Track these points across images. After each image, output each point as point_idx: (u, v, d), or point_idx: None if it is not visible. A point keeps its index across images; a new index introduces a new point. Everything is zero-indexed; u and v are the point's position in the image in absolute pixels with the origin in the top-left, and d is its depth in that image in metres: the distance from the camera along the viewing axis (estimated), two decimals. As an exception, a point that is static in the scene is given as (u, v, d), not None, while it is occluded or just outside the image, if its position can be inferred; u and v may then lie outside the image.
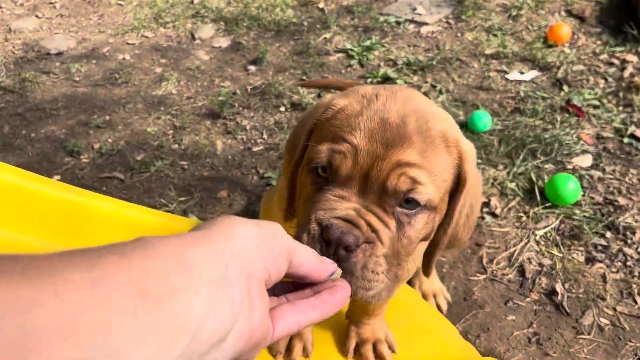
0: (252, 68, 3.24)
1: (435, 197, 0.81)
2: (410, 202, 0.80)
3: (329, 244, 0.76)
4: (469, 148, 0.87)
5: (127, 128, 2.75)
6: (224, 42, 3.55)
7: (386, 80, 3.02)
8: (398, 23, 3.58)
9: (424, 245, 0.99)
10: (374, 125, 0.80)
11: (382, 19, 3.63)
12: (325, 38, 3.50)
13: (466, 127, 2.57)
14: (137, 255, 0.43)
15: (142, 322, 0.40)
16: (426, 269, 0.94)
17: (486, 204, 2.16)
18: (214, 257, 0.49)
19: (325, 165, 0.81)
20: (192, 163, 2.50)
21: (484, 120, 2.53)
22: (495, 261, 1.95)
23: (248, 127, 2.74)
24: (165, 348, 0.41)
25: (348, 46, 3.33)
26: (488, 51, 3.22)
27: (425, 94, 2.90)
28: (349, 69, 3.19)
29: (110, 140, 2.66)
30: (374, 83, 3.01)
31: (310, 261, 0.62)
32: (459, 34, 3.44)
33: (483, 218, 2.10)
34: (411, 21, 3.60)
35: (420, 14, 3.64)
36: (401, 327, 1.34)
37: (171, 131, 2.73)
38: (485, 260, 1.96)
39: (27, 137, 2.69)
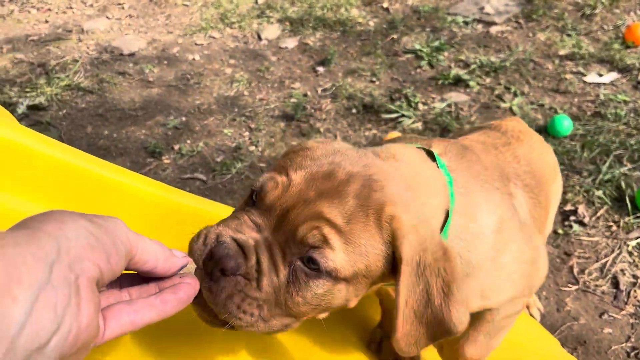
0: (320, 69, 3.26)
1: (344, 268, 0.74)
2: (313, 262, 0.74)
3: (212, 258, 0.73)
4: (410, 229, 0.77)
5: (204, 129, 2.81)
6: (290, 42, 3.58)
7: (458, 82, 2.99)
8: (466, 23, 3.54)
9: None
10: (320, 172, 0.77)
11: (449, 18, 3.59)
12: (392, 38, 3.49)
13: (546, 131, 2.53)
14: None
15: None
16: (400, 350, 0.82)
17: (573, 212, 2.13)
18: (36, 258, 0.46)
19: (258, 190, 0.79)
20: (270, 165, 2.54)
21: (565, 124, 2.48)
22: (586, 272, 1.92)
23: (322, 130, 2.76)
24: None
25: (417, 47, 3.31)
26: (562, 52, 3.15)
27: (499, 96, 2.86)
28: (418, 70, 3.17)
29: (189, 141, 2.72)
30: (446, 85, 2.99)
31: (157, 257, 0.60)
32: (531, 34, 3.37)
33: (571, 227, 2.07)
34: (479, 21, 3.55)
35: (488, 14, 3.59)
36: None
37: (247, 133, 2.77)
38: (576, 270, 1.93)
39: (110, 138, 2.78)
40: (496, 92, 2.89)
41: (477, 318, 1.10)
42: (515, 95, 2.85)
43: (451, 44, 3.34)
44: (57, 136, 2.75)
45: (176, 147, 2.67)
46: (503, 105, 2.78)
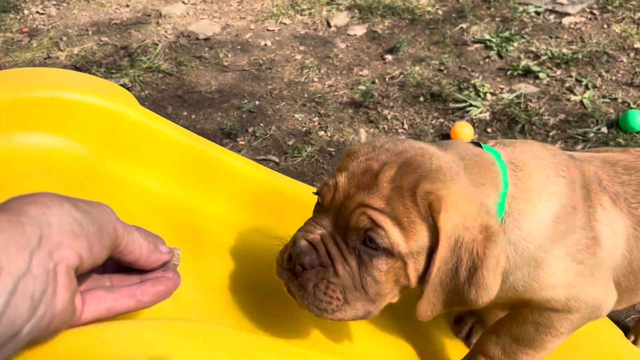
0: (388, 57, 3.32)
1: (398, 243, 0.84)
2: (373, 243, 0.85)
3: (291, 259, 0.88)
4: (449, 204, 0.83)
5: (276, 113, 2.94)
6: (359, 30, 3.65)
7: (527, 73, 2.99)
8: (538, 13, 3.50)
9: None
10: (359, 169, 0.88)
11: (520, 8, 3.56)
12: (462, 28, 3.50)
13: (618, 126, 2.51)
14: None
15: None
16: (419, 314, 0.91)
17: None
18: (18, 246, 0.45)
19: (318, 196, 0.93)
20: (338, 150, 2.64)
21: (638, 119, 2.46)
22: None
23: (389, 117, 2.83)
24: None
25: (486, 37, 3.32)
26: (638, 45, 3.09)
27: (570, 89, 2.85)
28: (487, 60, 3.18)
29: (262, 124, 2.86)
30: (515, 76, 2.99)
31: (142, 251, 0.61)
32: (605, 26, 3.31)
33: None
34: (552, 11, 3.51)
35: (561, 4, 3.53)
36: (583, 348, 1.34)
37: (316, 118, 2.88)
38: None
39: (189, 119, 2.95)
40: (567, 84, 2.88)
41: (509, 315, 1.10)
42: (586, 88, 2.83)
43: (521, 34, 3.33)
44: (141, 115, 2.95)
45: (250, 129, 2.82)
46: (573, 98, 2.77)
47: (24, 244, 0.46)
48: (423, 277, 0.88)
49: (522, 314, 1.04)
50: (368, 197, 0.85)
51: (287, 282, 0.90)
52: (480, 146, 0.99)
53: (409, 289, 0.91)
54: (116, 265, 0.64)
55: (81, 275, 0.57)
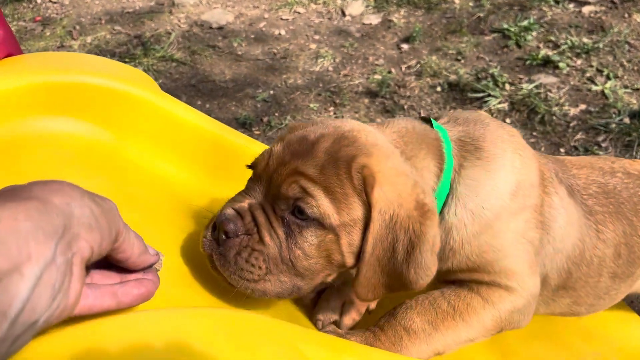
0: (404, 46, 3.28)
1: (328, 214, 0.81)
2: (302, 213, 0.82)
3: (215, 228, 0.85)
4: (383, 179, 0.81)
5: (290, 103, 2.91)
6: (374, 19, 3.60)
7: (547, 63, 2.93)
8: (557, 2, 3.44)
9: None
10: (295, 138, 0.86)
11: (539, -3, 3.50)
12: (479, 17, 3.44)
13: (639, 117, 2.46)
14: None
15: None
16: (358, 294, 0.86)
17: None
18: (46, 234, 0.46)
19: (251, 165, 0.91)
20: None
21: (662, 110, 2.41)
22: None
23: (406, 107, 2.80)
24: None
25: (504, 26, 3.26)
26: (660, 34, 3.02)
27: (591, 79, 2.79)
28: (505, 49, 3.13)
29: (277, 114, 2.84)
30: (534, 66, 2.94)
31: (134, 250, 0.61)
32: (626, 15, 3.24)
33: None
34: (571, 0, 3.44)
35: (581, -8, 3.46)
36: (609, 342, 1.32)
37: (332, 108, 2.85)
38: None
39: (203, 108, 2.93)
40: (587, 74, 2.82)
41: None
42: (608, 78, 2.78)
43: (540, 23, 3.27)
44: (155, 104, 2.93)
45: (265, 119, 2.79)
46: (595, 88, 2.72)
47: (52, 233, 0.47)
48: (359, 256, 0.84)
49: (469, 287, 0.97)
50: (302, 164, 0.82)
51: (209, 255, 0.85)
52: (429, 122, 0.97)
53: (346, 268, 0.88)
54: (94, 263, 0.63)
55: None
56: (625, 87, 2.70)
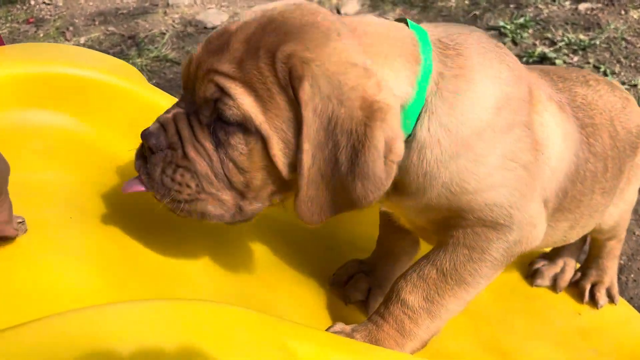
0: (400, 45, 3.26)
1: (255, 116, 0.70)
2: (223, 116, 0.71)
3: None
4: (316, 71, 0.68)
5: (286, 102, 2.89)
6: (369, 18, 3.58)
7: (543, 60, 2.91)
8: (553, 0, 3.42)
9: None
10: (215, 34, 0.75)
11: (535, -6, 3.48)
12: (475, 15, 3.42)
13: (638, 112, 2.44)
14: None
15: None
16: (301, 216, 0.75)
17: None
18: None
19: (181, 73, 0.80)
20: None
21: (660, 106, 2.38)
22: (679, 257, 1.86)
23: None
24: None
25: (501, 23, 3.24)
26: (657, 31, 3.01)
27: (588, 75, 2.77)
28: (501, 47, 3.11)
29: (271, 112, 2.82)
30: (530, 63, 2.92)
31: (2, 216, 0.65)
32: (622, 12, 3.22)
33: (663, 210, 2.01)
34: (567, -3, 3.43)
35: (577, -10, 3.45)
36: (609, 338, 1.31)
37: (327, 106, 2.83)
38: (667, 254, 1.88)
39: (197, 107, 2.91)
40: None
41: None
42: (605, 74, 2.75)
43: (536, 21, 3.25)
44: (149, 104, 2.91)
45: (260, 118, 2.77)
46: (591, 84, 2.70)
47: None
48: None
49: (452, 237, 0.86)
50: (217, 61, 0.71)
51: (140, 173, 0.77)
52: (406, 23, 0.83)
53: (288, 185, 0.76)
54: None
55: None
56: (623, 83, 2.68)
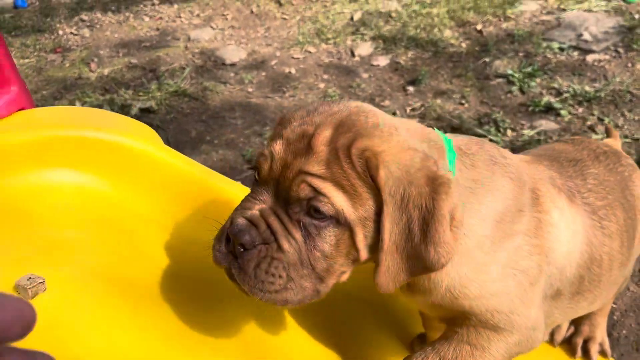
0: (410, 89, 3.36)
1: (345, 209, 0.78)
2: (319, 213, 0.78)
3: (229, 240, 0.81)
4: (388, 158, 0.78)
5: (297, 141, 2.99)
6: (382, 60, 3.70)
7: (549, 109, 2.99)
8: (562, 50, 3.51)
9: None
10: (294, 135, 0.81)
11: (544, 44, 3.57)
12: (484, 62, 3.52)
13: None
14: None
15: None
16: (380, 285, 0.83)
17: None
18: None
19: (254, 167, 0.86)
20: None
21: (660, 162, 2.44)
22: (672, 315, 1.90)
23: (408, 149, 2.86)
24: None
25: (509, 72, 3.33)
26: (662, 85, 3.07)
27: (591, 127, 2.84)
28: (508, 95, 3.19)
29: (282, 151, 2.91)
30: (536, 112, 3.00)
31: None
32: (629, 65, 3.30)
33: (658, 268, 2.05)
34: (576, 48, 3.52)
35: (586, 41, 3.54)
36: None
37: (336, 147, 2.92)
38: (660, 312, 1.92)
39: (211, 143, 3.02)
40: (588, 122, 2.87)
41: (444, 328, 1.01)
42: (608, 127, 2.82)
43: (544, 70, 3.33)
44: (165, 139, 3.02)
45: (271, 156, 2.87)
46: (595, 136, 2.76)
47: None
48: (374, 247, 0.81)
49: (457, 333, 0.94)
50: (306, 163, 0.79)
51: (227, 268, 0.83)
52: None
53: (359, 263, 0.85)
54: None
55: None
56: (625, 137, 2.74)
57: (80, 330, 0.78)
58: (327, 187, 0.78)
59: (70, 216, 1.01)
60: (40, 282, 0.81)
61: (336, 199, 0.78)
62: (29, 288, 0.80)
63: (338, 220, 0.79)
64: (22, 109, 1.13)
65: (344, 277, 0.87)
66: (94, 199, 1.07)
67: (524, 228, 0.91)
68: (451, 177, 0.80)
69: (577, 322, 1.48)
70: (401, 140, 0.81)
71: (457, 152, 0.89)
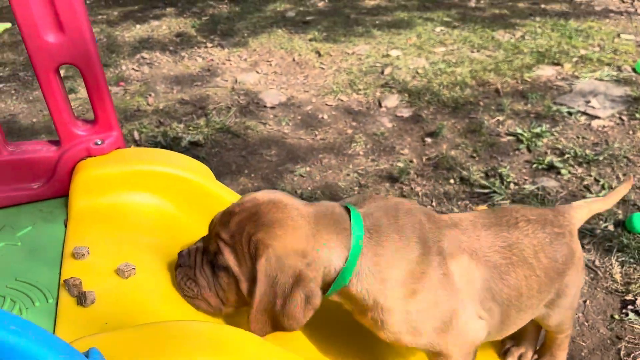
0: (428, 140, 3.75)
1: (235, 268, 1.15)
2: (218, 262, 1.17)
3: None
4: (272, 254, 1.11)
5: (322, 180, 3.40)
6: (406, 112, 4.11)
7: (551, 168, 3.33)
8: (570, 113, 3.86)
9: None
10: (227, 210, 1.20)
11: (554, 107, 3.93)
12: (498, 120, 3.89)
13: (624, 226, 2.80)
14: None
15: None
16: (252, 329, 1.16)
17: (632, 302, 2.40)
18: None
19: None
20: (372, 218, 3.05)
21: (642, 222, 2.74)
22: (632, 355, 2.19)
23: (420, 193, 3.23)
24: None
25: (519, 130, 3.69)
26: (658, 153, 3.37)
27: (587, 187, 3.16)
28: (516, 152, 3.54)
29: (309, 188, 3.32)
30: (539, 170, 3.34)
31: None
32: (631, 132, 3.62)
33: (627, 314, 2.35)
34: (583, 113, 3.86)
35: (593, 107, 3.88)
36: None
37: (357, 188, 3.32)
38: (623, 353, 2.21)
39: (249, 176, 3.45)
40: (585, 182, 3.19)
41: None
42: (602, 187, 3.14)
43: (551, 132, 3.68)
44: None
45: (299, 191, 3.28)
46: (589, 195, 3.08)
47: None
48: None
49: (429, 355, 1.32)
50: (221, 230, 1.17)
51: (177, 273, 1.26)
52: (348, 210, 1.21)
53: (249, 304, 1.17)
54: None
55: None
56: (616, 197, 3.04)
57: (159, 301, 1.18)
58: (226, 249, 1.16)
59: (148, 226, 1.44)
60: (132, 268, 1.22)
61: (229, 258, 1.16)
62: (126, 271, 1.21)
63: (227, 270, 1.17)
64: (119, 148, 1.58)
65: (236, 307, 1.25)
66: (164, 215, 1.49)
67: (426, 285, 1.20)
68: (312, 275, 1.12)
69: (540, 353, 1.81)
70: (289, 241, 1.13)
71: (365, 232, 1.18)
